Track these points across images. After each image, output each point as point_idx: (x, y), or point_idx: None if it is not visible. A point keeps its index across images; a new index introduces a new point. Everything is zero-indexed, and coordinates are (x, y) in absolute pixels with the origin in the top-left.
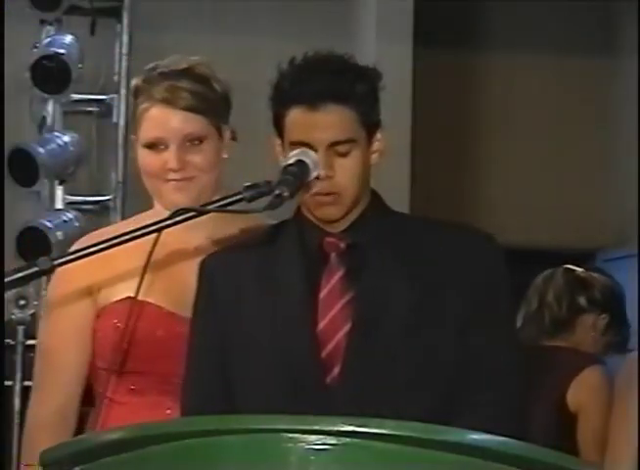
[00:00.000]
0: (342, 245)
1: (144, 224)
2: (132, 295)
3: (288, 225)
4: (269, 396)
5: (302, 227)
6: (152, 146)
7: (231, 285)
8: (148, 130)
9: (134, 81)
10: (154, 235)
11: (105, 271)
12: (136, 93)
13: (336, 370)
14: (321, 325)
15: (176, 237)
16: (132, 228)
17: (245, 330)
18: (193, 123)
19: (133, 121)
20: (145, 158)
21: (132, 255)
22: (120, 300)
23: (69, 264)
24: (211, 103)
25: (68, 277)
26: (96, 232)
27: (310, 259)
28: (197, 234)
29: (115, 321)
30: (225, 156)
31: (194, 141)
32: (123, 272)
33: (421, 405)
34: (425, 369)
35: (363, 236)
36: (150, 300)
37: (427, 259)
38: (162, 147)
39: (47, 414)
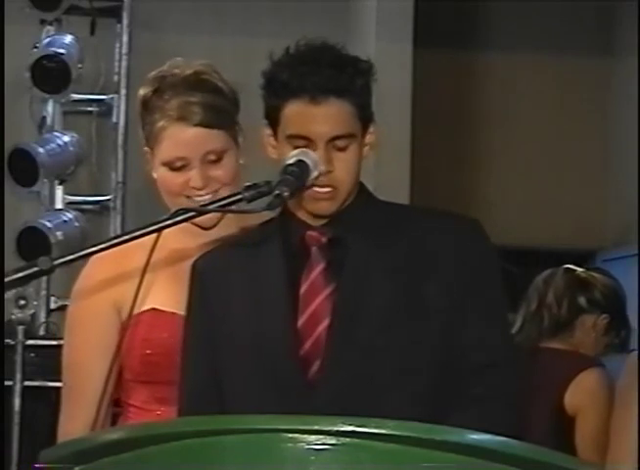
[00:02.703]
0: (324, 239)
1: (144, 224)
2: (156, 306)
3: (273, 222)
4: (254, 393)
5: (286, 223)
6: (172, 164)
7: (219, 285)
8: (168, 150)
9: (142, 91)
10: (165, 241)
11: (127, 284)
12: (146, 105)
13: (316, 366)
14: (301, 321)
15: (197, 242)
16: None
17: (231, 328)
18: (213, 139)
19: (150, 137)
20: (165, 176)
21: (154, 266)
22: (145, 311)
23: (92, 281)
24: (226, 113)
25: (91, 292)
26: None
27: (292, 254)
28: (217, 238)
29: (141, 333)
30: (241, 161)
31: (215, 157)
32: (145, 284)
33: (408, 401)
34: (408, 364)
35: (345, 229)
36: (174, 310)
37: (411, 251)
38: (183, 165)
39: (78, 430)
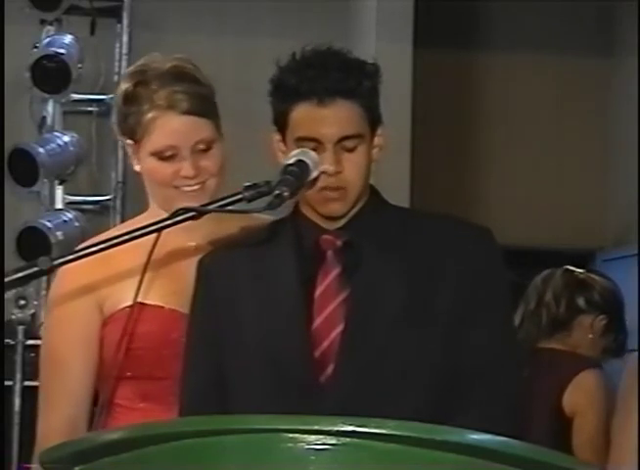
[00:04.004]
0: (339, 242)
1: (144, 224)
2: (141, 300)
3: (284, 223)
4: (263, 394)
5: (299, 225)
6: (162, 154)
7: (227, 284)
8: (159, 139)
9: (123, 86)
10: (148, 239)
11: (110, 278)
12: (130, 99)
13: (330, 369)
14: (316, 324)
15: (181, 238)
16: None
17: (240, 329)
18: (202, 128)
19: (138, 129)
20: (155, 167)
21: (138, 261)
22: (131, 305)
23: (73, 275)
24: (211, 103)
25: (72, 286)
26: (99, 236)
27: (306, 257)
28: (200, 234)
29: (127, 327)
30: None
31: (204, 147)
32: (130, 278)
33: (416, 405)
34: (420, 369)
35: (360, 233)
36: (160, 303)
37: (424, 257)
38: (172, 154)
39: (57, 426)
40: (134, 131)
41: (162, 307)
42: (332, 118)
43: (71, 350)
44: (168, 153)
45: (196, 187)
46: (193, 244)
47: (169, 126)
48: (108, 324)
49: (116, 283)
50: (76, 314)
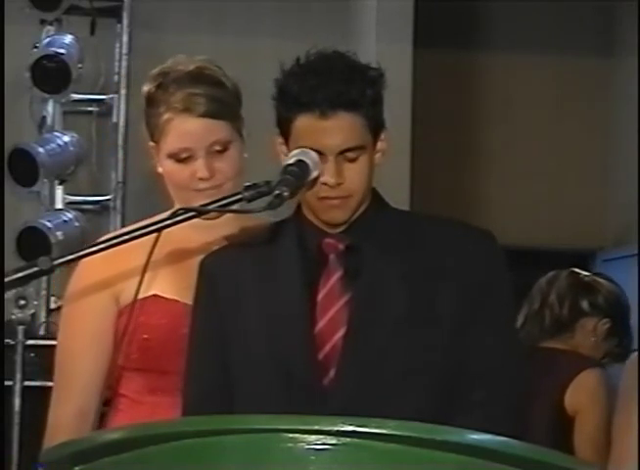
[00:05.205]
0: (341, 246)
1: (145, 224)
2: (157, 293)
3: (287, 225)
4: (266, 395)
5: (302, 227)
6: (178, 156)
7: (231, 283)
8: (174, 141)
9: (145, 88)
10: (170, 234)
11: (127, 272)
12: (151, 101)
13: (332, 372)
14: (319, 327)
15: (203, 236)
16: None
17: (243, 329)
18: (218, 130)
19: (155, 131)
20: (172, 169)
21: (156, 257)
22: (146, 297)
23: (91, 270)
24: (230, 106)
25: (90, 281)
26: (109, 234)
27: (309, 260)
28: (221, 232)
29: (141, 318)
30: (245, 155)
31: (220, 148)
32: (148, 274)
33: (417, 406)
34: (422, 370)
35: (362, 237)
36: (176, 297)
37: (425, 260)
38: (188, 156)
39: (67, 416)
40: (154, 133)
41: (177, 301)
42: (334, 131)
43: (83, 343)
44: (184, 155)
45: (213, 190)
46: (213, 242)
47: (183, 128)
48: (122, 315)
49: (133, 276)
50: (93, 309)
